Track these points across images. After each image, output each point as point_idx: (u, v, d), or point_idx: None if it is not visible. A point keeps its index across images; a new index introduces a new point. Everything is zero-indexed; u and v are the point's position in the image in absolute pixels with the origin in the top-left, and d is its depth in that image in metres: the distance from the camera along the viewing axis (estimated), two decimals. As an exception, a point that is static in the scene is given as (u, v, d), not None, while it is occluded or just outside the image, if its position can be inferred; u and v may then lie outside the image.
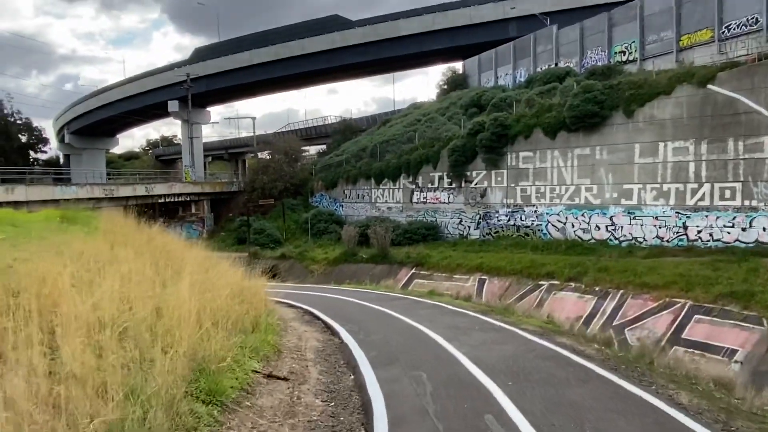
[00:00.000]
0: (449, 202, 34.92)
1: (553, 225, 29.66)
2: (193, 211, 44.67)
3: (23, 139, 79.74)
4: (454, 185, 34.42)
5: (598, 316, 21.02)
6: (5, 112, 75.18)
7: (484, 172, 32.75)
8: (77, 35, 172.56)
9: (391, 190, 38.57)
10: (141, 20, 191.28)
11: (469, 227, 33.73)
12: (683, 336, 18.16)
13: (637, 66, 33.25)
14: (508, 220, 31.96)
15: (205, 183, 48.32)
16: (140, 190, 37.49)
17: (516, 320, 13.12)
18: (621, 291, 21.20)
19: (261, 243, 39.14)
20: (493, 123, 31.72)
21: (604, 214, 26.90)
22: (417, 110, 47.30)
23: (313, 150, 65.30)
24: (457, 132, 35.46)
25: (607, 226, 26.86)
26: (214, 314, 6.58)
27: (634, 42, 34.28)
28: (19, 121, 78.84)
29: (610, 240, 26.53)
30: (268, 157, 52.95)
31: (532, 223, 30.67)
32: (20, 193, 27.64)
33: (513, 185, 31.54)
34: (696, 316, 18.43)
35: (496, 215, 32.43)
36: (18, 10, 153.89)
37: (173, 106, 62.26)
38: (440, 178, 35.26)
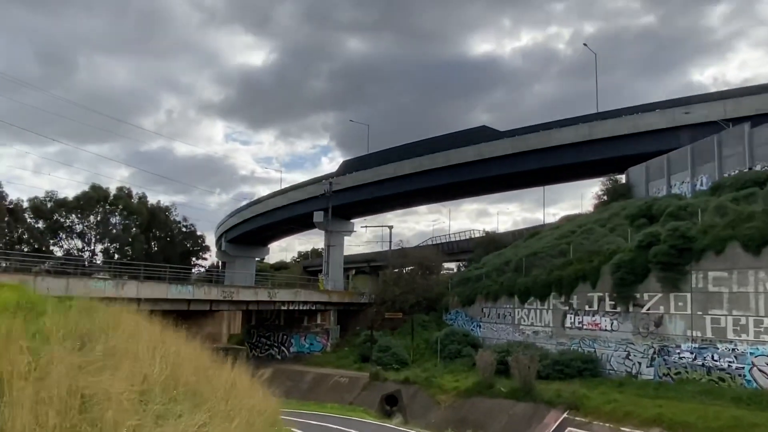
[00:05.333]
0: (612, 330, 28.25)
1: (760, 370, 22.08)
2: (319, 321, 41.82)
3: (188, 245, 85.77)
4: (618, 309, 27.90)
5: None
6: (171, 219, 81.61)
7: (660, 294, 26.10)
8: (257, 159, 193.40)
9: (538, 311, 32.67)
10: (312, 146, 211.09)
11: (640, 364, 26.62)
12: None
13: None
14: (694, 359, 24.63)
15: (333, 292, 45.75)
16: (262, 295, 35.46)
17: None
18: None
19: (384, 362, 34.65)
20: (672, 234, 25.50)
21: None
22: (570, 222, 41.74)
23: (454, 266, 61.40)
24: (622, 245, 29.44)
25: None
26: None
27: None
28: (184, 229, 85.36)
29: None
30: (404, 269, 49.72)
31: (729, 365, 23.20)
32: (131, 289, 26.45)
33: (700, 313, 24.54)
34: None
35: (677, 351, 25.24)
36: (212, 137, 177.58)
37: (318, 216, 62.73)
38: (600, 299, 28.95)
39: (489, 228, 69.37)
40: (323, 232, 65.14)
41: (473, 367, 30.69)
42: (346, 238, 71.62)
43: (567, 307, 30.84)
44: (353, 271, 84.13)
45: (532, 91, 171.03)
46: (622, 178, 46.57)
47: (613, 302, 28.31)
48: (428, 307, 41.82)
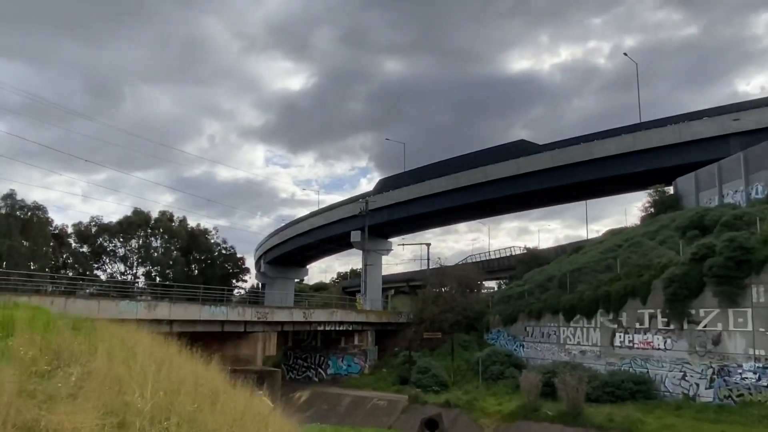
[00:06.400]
0: (666, 349, 26.51)
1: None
2: (356, 342, 40.85)
3: (228, 268, 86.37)
4: (672, 326, 26.19)
5: None
6: (211, 242, 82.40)
7: (717, 310, 24.37)
8: (297, 182, 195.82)
9: (584, 330, 31.03)
10: (350, 168, 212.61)
11: (698, 385, 24.82)
12: None
13: None
14: (758, 379, 22.83)
15: (370, 312, 44.76)
16: (297, 316, 34.73)
17: None
18: None
19: (424, 385, 33.37)
20: (729, 245, 23.82)
21: None
22: (616, 236, 39.92)
23: (494, 284, 59.78)
24: (673, 258, 27.75)
25: None
26: None
27: None
28: (224, 251, 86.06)
29: None
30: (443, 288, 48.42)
31: (799, 387, 21.29)
32: (163, 311, 26.09)
33: (763, 330, 22.79)
34: None
35: (738, 371, 23.46)
36: (253, 161, 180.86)
37: (355, 236, 62.16)
38: (652, 316, 27.27)
39: (530, 245, 67.48)
40: (361, 252, 64.56)
41: (517, 389, 29.20)
42: (384, 257, 70.88)
43: (616, 325, 29.16)
44: (392, 291, 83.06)
45: (571, 107, 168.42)
46: (670, 189, 44.49)
47: (665, 319, 26.60)
48: (468, 327, 40.42)
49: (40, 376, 4.05)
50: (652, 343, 27.22)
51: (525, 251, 58.20)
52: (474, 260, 68.64)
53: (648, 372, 27.02)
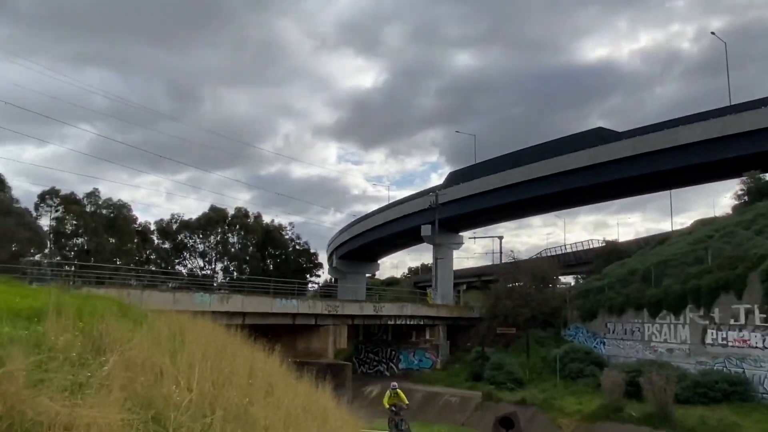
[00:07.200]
0: (765, 348, 24.42)
1: None
2: (428, 336, 40.20)
3: (301, 263, 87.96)
4: (772, 323, 23.98)
5: None
6: (286, 237, 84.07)
7: (826, 305, 22.05)
8: (368, 178, 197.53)
9: (672, 326, 29.03)
10: (421, 163, 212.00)
11: (803, 388, 22.58)
12: None
13: None
14: None
15: (441, 306, 43.91)
16: (367, 309, 34.48)
17: None
18: None
19: (497, 381, 32.34)
20: (838, 233, 21.47)
21: None
22: (705, 226, 37.22)
23: (571, 280, 57.39)
24: (773, 248, 25.44)
25: None
26: None
27: None
28: (297, 247, 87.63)
29: None
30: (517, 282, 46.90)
31: None
32: (236, 303, 26.44)
33: None
34: None
35: None
36: (326, 158, 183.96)
37: (426, 230, 61.43)
38: (748, 312, 25.14)
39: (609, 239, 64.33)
40: (432, 246, 63.83)
41: (598, 389, 27.73)
42: (455, 251, 69.61)
43: (707, 321, 27.09)
44: (464, 286, 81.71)
45: (653, 94, 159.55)
46: (766, 176, 41.04)
47: (764, 315, 24.43)
48: (544, 322, 38.85)
49: (70, 365, 3.73)
50: (748, 341, 25.08)
51: (604, 244, 55.45)
52: (549, 254, 66.22)
53: (744, 372, 24.97)
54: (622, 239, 62.30)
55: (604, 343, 33.71)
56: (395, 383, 18.81)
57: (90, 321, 4.86)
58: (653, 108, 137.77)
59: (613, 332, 33.16)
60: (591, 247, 61.43)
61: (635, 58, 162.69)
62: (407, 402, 18.55)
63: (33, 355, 3.37)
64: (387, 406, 17.94)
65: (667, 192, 63.61)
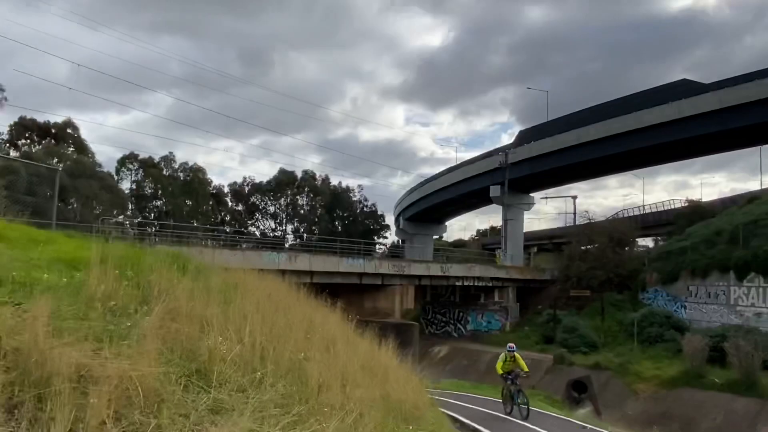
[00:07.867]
0: None
1: None
2: (496, 298, 39.54)
3: (369, 224, 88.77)
4: None
5: None
6: (353, 199, 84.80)
7: None
8: (436, 140, 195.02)
9: (761, 290, 27.09)
10: (490, 124, 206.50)
11: None
12: None
13: None
14: None
15: (511, 267, 42.92)
16: (434, 270, 34.11)
17: None
18: None
19: (570, 345, 31.45)
20: None
21: None
22: (803, 184, 34.22)
23: (650, 242, 54.85)
24: None
25: None
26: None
27: None
28: (365, 209, 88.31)
29: None
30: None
31: None
32: (303, 262, 26.68)
33: None
34: None
35: None
36: (393, 120, 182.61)
37: (495, 191, 59.98)
38: None
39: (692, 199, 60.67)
40: (501, 207, 62.46)
41: (677, 354, 26.45)
42: (525, 213, 67.76)
43: (802, 285, 25.07)
44: (534, 249, 79.87)
45: (742, 45, 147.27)
46: None
47: None
48: (620, 285, 37.32)
49: (112, 314, 3.54)
50: None
51: (686, 204, 52.38)
52: (626, 215, 63.41)
53: (843, 340, 23.00)
54: (705, 200, 58.62)
55: (685, 307, 32.02)
56: (513, 345, 15.89)
57: (140, 272, 4.72)
58: (742, 59, 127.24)
59: (696, 296, 31.38)
60: (672, 207, 58.29)
61: (723, 6, 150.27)
62: (527, 369, 15.76)
63: (67, 305, 3.19)
64: (500, 372, 15.41)
65: (757, 148, 59.09)
